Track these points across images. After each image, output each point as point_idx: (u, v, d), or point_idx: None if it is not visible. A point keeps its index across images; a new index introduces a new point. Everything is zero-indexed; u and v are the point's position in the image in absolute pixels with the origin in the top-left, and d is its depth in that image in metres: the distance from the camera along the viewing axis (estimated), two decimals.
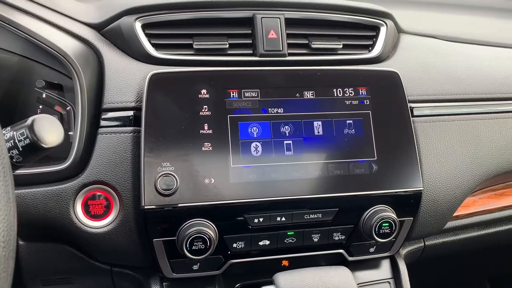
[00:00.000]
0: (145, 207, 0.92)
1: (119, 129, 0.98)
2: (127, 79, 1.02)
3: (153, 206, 0.93)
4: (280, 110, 1.03)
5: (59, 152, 0.98)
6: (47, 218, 0.94)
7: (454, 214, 1.18)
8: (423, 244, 1.23)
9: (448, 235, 1.25)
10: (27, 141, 0.67)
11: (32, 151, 0.68)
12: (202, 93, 1.00)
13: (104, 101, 1.00)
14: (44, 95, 1.02)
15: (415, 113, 1.13)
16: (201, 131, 0.98)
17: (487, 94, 1.21)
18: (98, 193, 0.97)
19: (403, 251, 1.20)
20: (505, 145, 1.19)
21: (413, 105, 1.13)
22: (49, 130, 0.69)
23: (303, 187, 1.00)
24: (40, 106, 1.03)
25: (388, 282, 1.15)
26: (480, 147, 1.17)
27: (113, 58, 1.05)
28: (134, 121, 0.99)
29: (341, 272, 0.89)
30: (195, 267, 1.01)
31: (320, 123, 1.04)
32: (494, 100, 1.22)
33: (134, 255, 1.01)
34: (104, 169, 0.96)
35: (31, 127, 0.68)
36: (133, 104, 1.00)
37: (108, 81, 1.01)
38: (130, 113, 1.00)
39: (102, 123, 0.99)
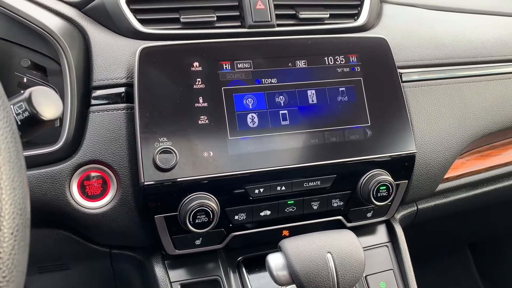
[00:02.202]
0: (145, 183, 0.91)
1: (111, 106, 0.96)
2: (115, 55, 0.99)
3: (153, 182, 0.91)
4: (274, 81, 1.02)
5: (47, 137, 0.95)
6: (43, 202, 0.91)
7: (445, 177, 1.22)
8: (416, 208, 1.25)
9: (439, 197, 1.28)
10: (26, 114, 0.65)
11: (31, 124, 0.66)
12: (195, 66, 0.98)
13: (93, 79, 0.97)
14: (25, 80, 0.98)
15: (404, 78, 1.15)
16: (196, 105, 0.96)
17: (470, 58, 1.24)
18: (94, 173, 0.94)
19: (398, 215, 1.22)
20: (489, 107, 1.23)
21: (401, 70, 1.15)
22: (48, 102, 0.67)
23: (301, 156, 1.00)
24: (22, 92, 0.99)
25: (386, 245, 1.17)
26: (466, 109, 1.20)
27: (98, 35, 1.02)
28: (126, 98, 0.97)
29: (347, 235, 0.90)
30: (198, 242, 1.00)
31: (313, 91, 1.04)
32: (476, 64, 1.25)
33: (134, 235, 0.99)
34: (98, 148, 0.94)
35: (29, 100, 0.65)
36: (123, 81, 0.98)
37: (95, 59, 0.98)
38: (122, 89, 0.97)
39: (93, 101, 0.96)
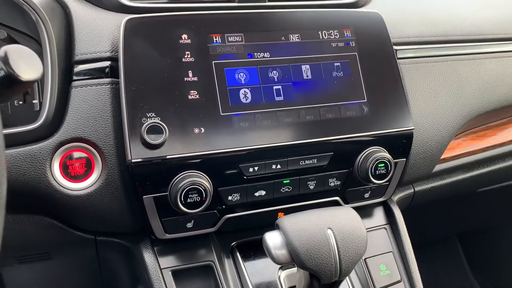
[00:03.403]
0: (132, 161, 0.85)
1: (95, 81, 0.90)
2: (98, 28, 0.94)
3: (141, 160, 0.86)
4: (267, 55, 0.98)
5: (25, 118, 0.89)
6: (22, 183, 0.85)
7: (442, 157, 1.19)
8: (413, 190, 1.22)
9: (435, 179, 1.25)
10: (2, 73, 0.59)
11: (8, 86, 0.60)
12: (183, 38, 0.93)
13: (75, 53, 0.91)
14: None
15: (399, 55, 1.12)
16: (185, 79, 0.91)
17: (465, 36, 1.22)
18: (77, 152, 0.88)
19: (395, 198, 1.18)
20: (484, 85, 1.21)
21: (396, 47, 1.11)
22: (26, 62, 0.60)
23: (296, 133, 0.96)
24: None
25: (384, 228, 1.13)
26: (462, 87, 1.17)
27: (80, 8, 0.96)
28: (111, 72, 0.91)
29: (347, 210, 0.86)
30: (189, 225, 0.94)
31: (308, 66, 1.00)
32: (471, 42, 1.23)
33: (121, 218, 0.93)
34: (81, 125, 0.88)
35: (4, 58, 0.59)
36: (108, 54, 0.92)
37: (78, 32, 0.92)
38: (106, 63, 0.92)
39: (75, 76, 0.90)
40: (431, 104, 1.12)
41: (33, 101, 0.93)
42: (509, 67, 1.25)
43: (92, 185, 0.89)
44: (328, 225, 0.82)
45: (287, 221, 0.83)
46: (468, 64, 1.20)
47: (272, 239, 0.82)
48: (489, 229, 2.23)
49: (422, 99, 1.11)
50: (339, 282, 0.85)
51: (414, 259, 1.08)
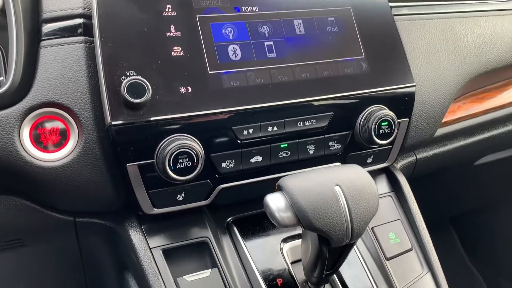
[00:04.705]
0: (112, 123, 0.76)
1: (67, 39, 0.81)
2: None
3: (122, 122, 0.76)
4: (255, 9, 0.90)
5: None
6: None
7: (443, 121, 1.13)
8: (415, 157, 1.15)
9: (437, 146, 1.19)
10: None
11: None
12: None
13: (42, 10, 0.82)
14: None
15: (394, 12, 1.05)
16: (167, 34, 0.82)
17: None
18: (50, 119, 0.78)
19: (398, 165, 1.12)
20: (482, 44, 1.15)
21: (390, 4, 1.05)
22: None
23: (292, 91, 0.88)
24: None
25: (390, 196, 1.06)
26: (460, 45, 1.12)
27: None
28: (85, 30, 0.82)
29: (354, 167, 0.78)
30: (180, 197, 0.85)
31: (300, 21, 0.93)
32: (465, 0, 1.18)
33: (103, 193, 0.83)
34: (53, 88, 0.78)
35: None
36: (80, 11, 0.83)
37: None
38: (79, 21, 0.82)
39: (44, 36, 0.80)
40: (431, 62, 1.06)
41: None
42: (505, 26, 1.20)
43: (68, 155, 0.79)
44: (335, 182, 0.73)
45: (290, 181, 0.74)
46: (465, 22, 1.15)
47: (275, 201, 0.73)
48: (482, 210, 2.19)
49: (420, 57, 1.05)
50: (350, 247, 0.76)
51: (424, 226, 1.01)
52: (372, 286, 0.90)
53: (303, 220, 0.71)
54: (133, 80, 0.76)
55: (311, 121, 0.90)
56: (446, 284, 0.97)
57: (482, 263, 2.30)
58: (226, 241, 0.91)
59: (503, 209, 2.15)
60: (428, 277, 0.96)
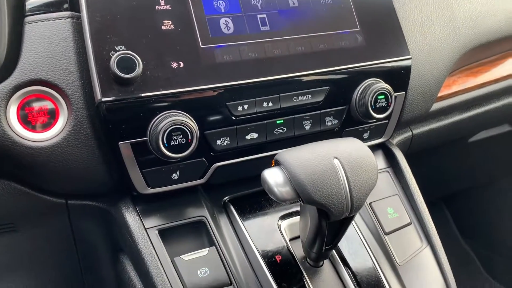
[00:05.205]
0: (103, 100, 0.73)
1: (53, 15, 0.78)
2: None
3: (112, 99, 0.74)
4: None
5: None
6: None
7: (439, 95, 1.12)
8: (411, 133, 1.14)
9: (433, 121, 1.18)
10: None
11: None
12: None
13: None
14: None
15: None
16: (157, 7, 0.80)
17: None
18: (38, 98, 0.75)
19: (394, 140, 1.10)
20: (477, 16, 1.14)
21: None
22: None
23: (287, 65, 0.86)
24: None
25: (387, 171, 1.04)
26: (455, 18, 1.10)
27: None
28: (71, 5, 0.79)
29: (351, 140, 0.77)
30: (175, 176, 0.83)
31: None
32: None
33: (95, 173, 0.80)
34: (39, 65, 0.75)
35: None
36: None
37: None
38: None
39: (29, 11, 0.77)
40: (426, 35, 1.05)
41: None
42: None
43: (57, 135, 0.76)
44: (333, 155, 0.72)
45: (288, 155, 0.73)
46: None
47: (273, 176, 0.71)
48: (475, 188, 2.20)
49: (416, 29, 1.04)
50: (349, 220, 0.75)
51: (423, 200, 1.00)
52: (372, 260, 0.89)
53: (302, 194, 0.69)
54: (123, 55, 0.73)
55: (307, 96, 0.88)
56: (445, 257, 0.96)
57: (475, 240, 2.32)
58: (223, 220, 0.89)
59: (495, 187, 2.16)
60: (428, 250, 0.96)
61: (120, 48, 0.75)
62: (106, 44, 0.75)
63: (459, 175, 2.01)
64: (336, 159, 0.72)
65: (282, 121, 0.88)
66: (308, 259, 0.85)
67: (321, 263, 0.85)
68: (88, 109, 0.77)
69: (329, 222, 0.73)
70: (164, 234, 0.84)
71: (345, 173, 0.70)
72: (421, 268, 0.93)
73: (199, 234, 0.86)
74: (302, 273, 0.84)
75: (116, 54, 0.73)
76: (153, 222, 0.84)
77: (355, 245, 0.90)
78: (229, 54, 0.83)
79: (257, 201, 0.92)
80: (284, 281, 0.82)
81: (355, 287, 0.85)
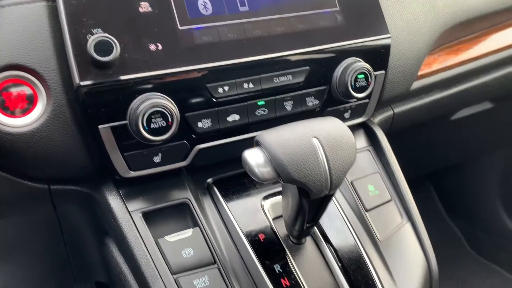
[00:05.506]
0: (81, 84, 0.73)
1: None
2: None
3: (90, 83, 0.73)
4: None
5: None
6: None
7: (419, 73, 1.13)
8: (392, 112, 1.15)
9: (414, 99, 1.19)
10: None
11: None
12: None
13: None
14: None
15: None
16: None
17: None
18: (15, 83, 0.75)
19: (375, 119, 1.12)
20: None
21: None
22: None
23: (267, 46, 0.86)
24: None
25: (368, 150, 1.06)
26: None
27: None
28: None
29: (330, 119, 0.77)
30: (156, 158, 0.83)
31: None
32: None
33: (76, 157, 0.80)
34: (16, 49, 0.74)
35: None
36: None
37: None
38: None
39: None
40: (405, 13, 1.05)
41: None
42: None
43: (36, 120, 0.76)
44: (313, 134, 0.73)
45: (268, 135, 0.73)
46: None
47: (254, 156, 0.72)
48: (460, 166, 2.24)
49: (394, 9, 1.04)
50: (329, 198, 0.77)
51: (403, 178, 1.02)
52: (353, 237, 0.91)
53: (282, 173, 0.70)
54: (100, 38, 0.73)
55: (288, 76, 0.89)
56: (425, 233, 0.99)
57: (459, 216, 2.38)
58: (207, 202, 0.90)
59: (479, 164, 2.20)
60: (408, 226, 0.98)
61: (97, 31, 0.75)
62: (83, 27, 0.74)
63: (443, 152, 2.03)
64: (315, 138, 0.73)
65: (263, 102, 0.89)
66: (290, 237, 0.87)
67: (303, 240, 0.87)
68: (67, 94, 0.76)
69: (309, 200, 0.74)
70: (148, 216, 0.84)
71: (324, 152, 0.71)
72: (402, 244, 0.96)
73: (183, 216, 0.87)
74: (285, 250, 0.86)
75: (93, 37, 0.73)
76: (137, 205, 0.85)
77: (336, 222, 0.92)
78: (208, 35, 0.83)
79: (241, 182, 0.93)
80: (268, 259, 0.84)
81: (336, 263, 0.87)
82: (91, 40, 0.72)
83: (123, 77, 0.75)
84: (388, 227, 0.96)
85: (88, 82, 0.73)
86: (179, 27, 0.81)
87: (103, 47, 0.73)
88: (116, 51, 0.73)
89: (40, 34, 0.75)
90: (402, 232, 0.97)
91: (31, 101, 0.76)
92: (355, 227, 0.92)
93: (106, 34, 0.74)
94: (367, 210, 0.95)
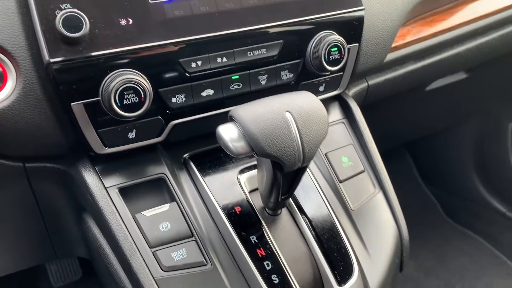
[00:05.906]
0: (51, 60, 0.72)
1: None
2: None
3: (61, 59, 0.72)
4: None
5: None
6: None
7: (393, 45, 1.14)
8: (366, 84, 1.17)
9: (388, 71, 1.20)
10: None
11: None
12: None
13: None
14: None
15: None
16: None
17: None
18: None
19: (350, 92, 1.13)
20: None
21: None
22: None
23: (240, 19, 0.86)
24: None
25: (342, 122, 1.08)
26: None
27: None
28: None
29: (303, 93, 0.78)
30: (131, 135, 0.83)
31: None
32: None
33: (49, 135, 0.80)
34: None
35: None
36: None
37: None
38: None
39: None
40: None
41: None
42: None
43: (7, 98, 0.75)
44: (285, 109, 0.74)
45: (241, 110, 0.74)
46: None
47: (228, 131, 0.73)
48: (435, 135, 2.29)
49: None
50: (302, 170, 0.79)
51: (376, 149, 1.05)
52: (327, 207, 0.94)
53: (256, 147, 0.71)
54: (69, 13, 0.71)
55: (261, 50, 0.89)
56: (397, 201, 1.02)
57: (435, 184, 2.45)
58: (183, 177, 0.91)
59: (453, 133, 2.25)
60: (380, 196, 1.01)
61: (66, 6, 0.73)
62: (50, 2, 0.73)
63: (419, 123, 2.07)
64: (288, 112, 0.74)
65: (237, 76, 0.89)
66: (266, 209, 0.89)
67: (279, 211, 0.89)
68: (37, 71, 0.75)
69: (283, 173, 0.76)
70: (125, 192, 0.85)
71: (296, 126, 0.73)
72: (374, 212, 0.99)
73: (159, 191, 0.88)
74: (261, 222, 0.88)
75: (61, 13, 0.71)
76: (113, 181, 0.85)
77: (311, 193, 0.94)
78: (180, 9, 0.82)
79: (217, 157, 0.95)
80: (244, 230, 0.86)
81: (311, 232, 0.90)
82: (60, 16, 0.71)
83: (93, 53, 0.74)
84: (361, 197, 0.99)
85: (58, 59, 0.72)
86: (150, 1, 0.79)
87: (72, 23, 0.72)
88: (86, 26, 0.72)
89: (6, 10, 0.74)
90: (374, 201, 1.01)
91: (0, 79, 0.74)
92: (329, 198, 0.95)
93: (75, 9, 0.72)
94: (340, 181, 0.98)
